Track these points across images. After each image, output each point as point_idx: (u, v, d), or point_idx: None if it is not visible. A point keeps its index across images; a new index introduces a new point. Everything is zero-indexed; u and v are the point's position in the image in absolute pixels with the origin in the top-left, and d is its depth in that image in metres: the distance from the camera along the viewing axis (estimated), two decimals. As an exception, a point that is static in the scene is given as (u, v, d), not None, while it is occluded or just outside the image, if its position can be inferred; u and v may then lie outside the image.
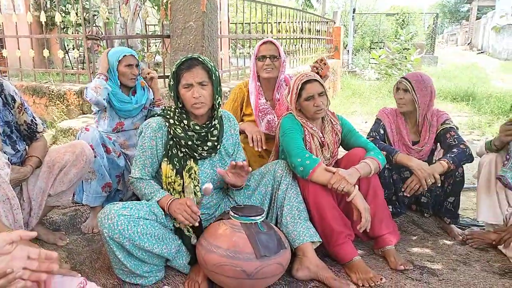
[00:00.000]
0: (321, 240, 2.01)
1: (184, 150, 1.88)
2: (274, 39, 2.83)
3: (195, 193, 1.89)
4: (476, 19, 26.95)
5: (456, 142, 2.37)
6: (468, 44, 27.79)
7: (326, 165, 2.23)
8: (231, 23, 6.57)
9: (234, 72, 4.50)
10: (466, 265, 2.16)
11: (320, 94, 2.16)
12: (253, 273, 1.66)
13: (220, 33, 4.08)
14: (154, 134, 1.87)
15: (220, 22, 4.15)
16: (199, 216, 1.77)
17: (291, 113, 2.27)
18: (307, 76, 2.20)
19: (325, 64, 2.69)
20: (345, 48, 12.43)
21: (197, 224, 1.78)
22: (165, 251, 1.77)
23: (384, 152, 2.36)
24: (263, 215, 1.81)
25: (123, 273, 1.78)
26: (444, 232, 2.54)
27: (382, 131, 2.53)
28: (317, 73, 2.73)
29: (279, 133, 2.24)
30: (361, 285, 1.91)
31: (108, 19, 4.87)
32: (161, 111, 1.95)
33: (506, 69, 13.93)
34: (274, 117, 2.58)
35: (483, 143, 2.38)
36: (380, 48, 9.80)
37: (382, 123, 2.54)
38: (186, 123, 1.88)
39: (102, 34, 3.92)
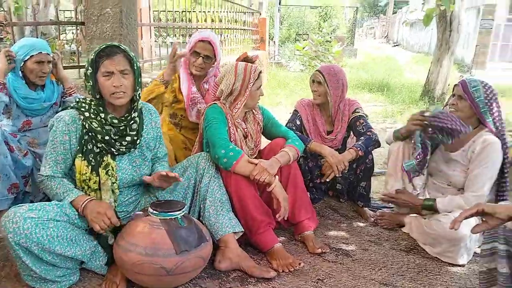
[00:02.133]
0: (243, 230, 2.05)
1: (100, 145, 1.79)
2: (198, 28, 2.78)
3: (112, 191, 1.82)
4: (393, 14, 28.84)
5: (364, 130, 2.56)
6: (385, 37, 29.69)
7: (249, 155, 2.28)
8: (154, 11, 6.36)
9: (157, 62, 4.37)
10: (377, 245, 2.34)
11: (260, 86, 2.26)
12: (173, 269, 1.65)
13: (140, 21, 3.93)
14: (67, 128, 1.76)
15: (140, 9, 3.99)
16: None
17: (215, 103, 2.26)
18: (259, 67, 2.27)
19: (251, 57, 2.78)
20: (271, 40, 12.63)
21: (112, 241, 1.74)
22: (79, 253, 1.69)
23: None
24: (183, 209, 1.80)
25: (32, 279, 1.67)
26: (358, 215, 2.72)
27: (298, 122, 2.63)
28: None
29: (203, 124, 2.22)
30: (281, 271, 1.99)
31: (18, 3, 4.46)
32: (75, 103, 1.83)
33: (418, 61, 15.12)
34: (205, 106, 2.56)
35: (391, 132, 2.57)
36: (304, 40, 10.10)
37: (299, 114, 2.64)
38: (103, 116, 1.79)
39: (8, 20, 3.57)
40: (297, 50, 10.32)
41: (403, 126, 2.49)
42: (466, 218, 1.44)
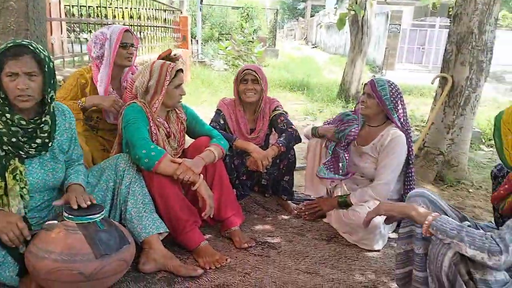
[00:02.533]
0: (168, 230, 2.01)
1: (6, 148, 1.63)
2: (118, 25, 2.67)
3: (21, 197, 1.67)
4: (311, 17, 30.12)
5: (285, 127, 2.64)
6: (304, 39, 30.90)
7: (173, 154, 2.23)
8: (66, 5, 5.94)
9: (69, 59, 4.10)
10: (300, 236, 2.43)
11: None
12: (93, 274, 1.56)
13: (50, 15, 3.65)
14: None
15: (50, 3, 3.71)
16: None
17: (135, 102, 2.18)
18: (177, 65, 2.18)
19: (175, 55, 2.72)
20: (194, 39, 12.50)
21: (23, 250, 1.59)
22: (-17, 265, 1.53)
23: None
24: (102, 212, 1.71)
25: None
26: (282, 208, 2.80)
27: (222, 121, 2.63)
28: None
29: (122, 124, 2.13)
30: (208, 268, 1.98)
31: None
32: None
33: (334, 62, 15.97)
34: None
35: (310, 128, 2.68)
36: (226, 40, 10.15)
37: (222, 113, 2.65)
38: (9, 117, 1.62)
39: None
40: (220, 49, 10.34)
41: (320, 126, 2.63)
42: (372, 218, 1.69)
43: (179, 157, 2.23)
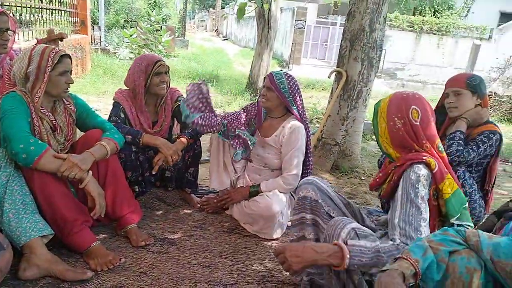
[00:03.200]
0: (53, 232, 1.84)
1: None
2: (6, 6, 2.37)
3: None
4: (221, 8, 30.06)
5: None
6: (215, 30, 30.79)
7: (60, 150, 2.04)
8: None
9: None
10: (202, 230, 2.41)
11: (70, 72, 1.99)
12: (-45, 288, 1.37)
13: None
14: None
15: None
16: None
17: (14, 91, 1.93)
18: (62, 50, 1.96)
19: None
20: (96, 24, 11.69)
21: None
22: None
23: (130, 136, 2.34)
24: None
25: None
26: (185, 203, 2.75)
27: (122, 115, 2.47)
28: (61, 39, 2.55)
29: None
30: (99, 269, 1.86)
31: None
32: None
33: (244, 55, 16.16)
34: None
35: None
36: (131, 27, 9.63)
37: (121, 106, 2.47)
38: None
39: None
40: (125, 37, 9.80)
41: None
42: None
43: (68, 152, 2.05)
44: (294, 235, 1.82)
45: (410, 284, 1.16)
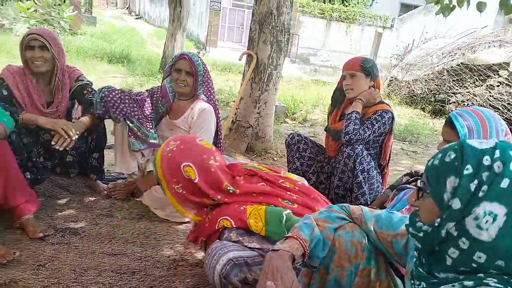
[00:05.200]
0: None
1: None
2: None
3: None
4: (132, -15, 28.41)
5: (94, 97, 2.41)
6: (127, 8, 29.13)
7: None
8: None
9: None
10: (109, 217, 2.30)
11: None
12: None
13: None
14: None
15: None
16: None
17: None
18: None
19: None
20: (-15, -5, 10.36)
21: None
22: None
23: (8, 112, 2.11)
24: None
25: None
26: (90, 190, 2.59)
27: (6, 92, 2.22)
28: None
29: None
30: (-10, 266, 1.69)
31: None
32: None
33: (159, 35, 15.53)
34: None
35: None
36: (27, 0, 8.70)
37: (5, 83, 2.22)
38: None
39: None
40: (22, 11, 8.83)
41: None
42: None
43: None
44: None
45: (298, 263, 1.19)
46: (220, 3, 14.49)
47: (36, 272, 1.73)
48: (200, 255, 2.03)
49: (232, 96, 6.49)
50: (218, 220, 1.54)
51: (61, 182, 2.56)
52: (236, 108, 3.78)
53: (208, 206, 1.65)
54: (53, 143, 2.14)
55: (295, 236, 1.18)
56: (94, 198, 2.50)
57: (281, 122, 5.29)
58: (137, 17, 24.81)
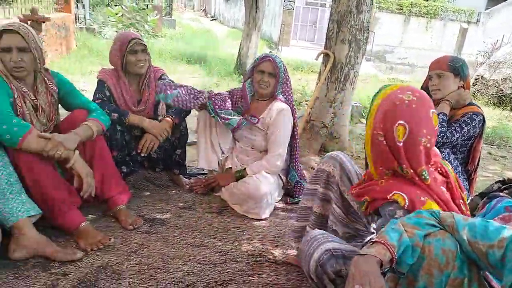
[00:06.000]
0: (40, 211, 1.83)
1: None
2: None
3: None
4: (209, -12, 29.44)
5: None
6: (203, 10, 30.25)
7: (44, 131, 2.01)
8: None
9: None
10: (191, 210, 2.43)
11: (20, 49, 1.85)
12: None
13: None
14: None
15: None
16: None
17: None
18: (8, 25, 1.86)
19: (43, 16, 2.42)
20: (79, 2, 11.38)
21: None
22: None
23: (116, 114, 2.32)
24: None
25: None
26: (174, 184, 2.75)
27: (108, 93, 2.45)
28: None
29: None
30: (89, 249, 1.87)
31: None
32: None
33: (233, 36, 15.94)
34: None
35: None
36: (116, 6, 9.40)
37: (106, 84, 2.45)
38: None
39: None
40: (110, 16, 9.58)
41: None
42: None
43: (52, 133, 2.03)
44: (303, 203, 1.84)
45: (386, 269, 1.17)
46: (294, 2, 14.47)
47: (128, 258, 1.88)
48: (277, 252, 2.06)
49: (305, 96, 6.46)
50: (394, 192, 1.37)
51: (148, 176, 2.75)
52: (311, 108, 3.77)
53: (390, 171, 1.46)
54: (138, 150, 2.40)
55: (382, 241, 1.16)
56: (177, 192, 2.65)
57: (356, 123, 5.17)
58: (212, 18, 25.66)
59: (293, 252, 2.04)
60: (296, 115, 2.58)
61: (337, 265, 1.37)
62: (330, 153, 1.79)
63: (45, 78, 2.04)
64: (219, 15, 25.47)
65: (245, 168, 2.50)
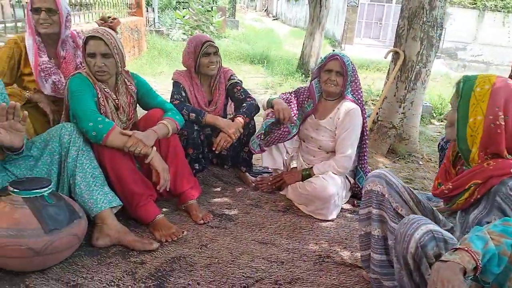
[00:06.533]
0: (121, 203, 1.96)
1: None
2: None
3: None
4: (271, -12, 29.63)
5: (243, 96, 2.63)
6: (265, 10, 30.50)
7: (123, 128, 2.15)
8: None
9: (11, 24, 3.81)
10: (257, 208, 2.46)
11: (104, 54, 2.00)
12: (42, 249, 1.51)
13: (-12, -25, 3.35)
14: None
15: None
16: None
17: (79, 72, 2.06)
18: (93, 32, 2.02)
19: (114, 19, 2.56)
20: (149, 6, 11.99)
21: None
22: None
23: (194, 114, 2.42)
24: (50, 186, 1.64)
25: None
26: (240, 181, 2.81)
27: (184, 93, 2.56)
28: (110, 27, 2.59)
29: (67, 95, 2.02)
30: (164, 241, 1.97)
31: None
32: None
33: (295, 35, 15.92)
34: (61, 77, 2.30)
35: (267, 99, 2.67)
36: (183, 8, 9.78)
37: (182, 85, 2.56)
38: None
39: None
40: (178, 18, 9.98)
41: (276, 98, 2.56)
42: None
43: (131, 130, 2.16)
44: (362, 230, 1.74)
45: (469, 277, 1.10)
46: (358, -1, 14.13)
47: (200, 251, 1.95)
48: (345, 254, 2.03)
49: (371, 95, 6.29)
50: None
51: (216, 172, 2.84)
52: (379, 108, 3.66)
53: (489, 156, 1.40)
54: (213, 148, 2.46)
55: (466, 248, 1.10)
56: (244, 189, 2.71)
57: (427, 123, 4.93)
58: (274, 18, 25.79)
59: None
60: (365, 115, 2.51)
61: (436, 248, 1.27)
62: (371, 173, 1.69)
63: (126, 80, 2.18)
64: (281, 14, 25.54)
65: (311, 167, 2.49)
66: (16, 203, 1.54)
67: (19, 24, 3.91)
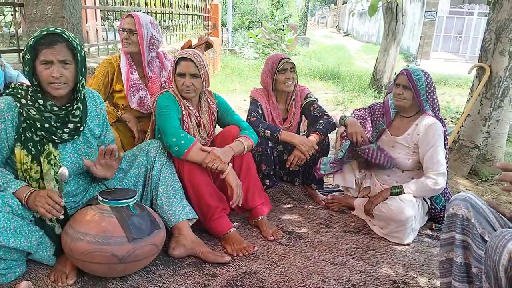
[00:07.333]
0: (197, 216, 2.05)
1: (40, 133, 1.67)
2: (147, 13, 2.69)
3: (56, 181, 1.73)
4: (343, 4, 29.46)
5: (320, 114, 2.63)
6: (336, 27, 30.31)
7: (202, 144, 2.26)
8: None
9: (103, 46, 4.19)
10: (328, 227, 2.42)
11: (192, 75, 2.16)
12: (125, 257, 1.62)
13: (85, 3, 3.74)
14: (2, 116, 1.63)
15: (85, -9, 3.78)
16: (63, 206, 1.63)
17: (167, 91, 2.24)
18: (185, 53, 2.18)
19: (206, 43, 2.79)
20: (224, 27, 12.51)
21: (62, 216, 1.62)
22: (24, 244, 1.60)
23: (269, 131, 2.48)
24: (135, 197, 1.76)
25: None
26: (310, 198, 2.79)
27: (260, 111, 2.63)
28: (207, 44, 2.81)
29: (155, 112, 2.19)
30: (235, 255, 2.01)
31: None
32: (10, 89, 1.71)
33: (367, 51, 15.61)
34: (147, 94, 2.50)
35: (339, 116, 2.63)
36: (257, 28, 10.08)
37: (259, 103, 2.64)
38: (41, 103, 1.66)
39: None
40: (251, 37, 10.29)
41: (349, 117, 2.53)
42: None
43: (208, 146, 2.26)
44: (443, 256, 1.62)
45: None
46: (436, 12, 13.51)
47: (270, 267, 1.96)
48: (422, 281, 1.92)
49: (450, 112, 5.94)
50: None
51: (286, 189, 2.85)
52: (460, 126, 3.44)
53: None
54: (287, 165, 2.51)
55: None
56: (314, 207, 2.68)
57: (514, 144, 4.53)
58: (345, 34, 25.53)
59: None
60: (447, 132, 2.38)
61: None
62: (456, 195, 1.56)
63: (208, 99, 2.32)
64: (352, 30, 25.22)
65: (401, 186, 2.33)
66: (105, 212, 1.67)
67: (110, 46, 4.29)
